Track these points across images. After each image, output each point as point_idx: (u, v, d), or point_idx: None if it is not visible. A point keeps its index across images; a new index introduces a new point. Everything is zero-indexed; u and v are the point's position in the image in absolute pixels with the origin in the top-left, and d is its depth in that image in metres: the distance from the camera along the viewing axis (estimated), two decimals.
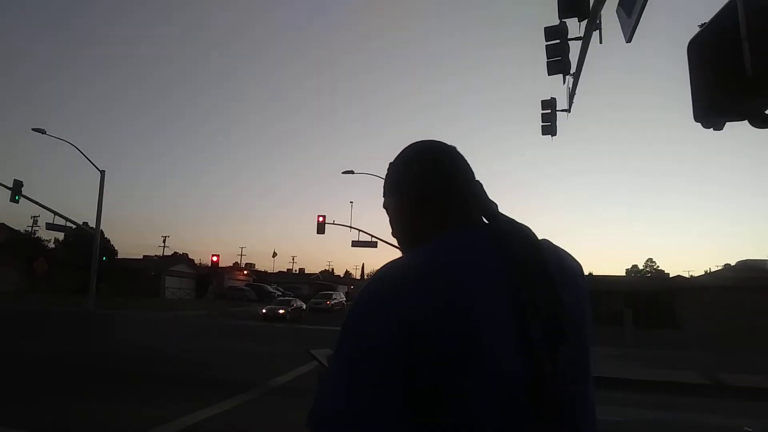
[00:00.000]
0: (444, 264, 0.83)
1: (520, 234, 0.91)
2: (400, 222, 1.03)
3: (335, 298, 41.11)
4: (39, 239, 50.31)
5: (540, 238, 0.95)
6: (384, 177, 1.09)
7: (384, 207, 1.07)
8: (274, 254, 70.92)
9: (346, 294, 56.76)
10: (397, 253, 1.01)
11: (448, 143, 1.05)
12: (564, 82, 9.91)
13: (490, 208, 0.97)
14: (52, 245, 50.53)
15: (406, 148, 1.05)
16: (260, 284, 58.46)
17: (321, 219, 29.64)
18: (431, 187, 0.98)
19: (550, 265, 0.88)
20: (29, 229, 51.54)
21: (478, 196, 0.99)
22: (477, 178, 1.04)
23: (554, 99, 10.81)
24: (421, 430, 0.77)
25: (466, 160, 1.03)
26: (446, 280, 0.80)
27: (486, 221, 0.95)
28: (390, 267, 0.85)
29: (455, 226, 0.93)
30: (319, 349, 1.23)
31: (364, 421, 0.75)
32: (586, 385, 0.92)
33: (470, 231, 0.92)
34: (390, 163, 1.07)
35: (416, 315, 0.77)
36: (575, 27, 8.61)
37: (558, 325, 0.83)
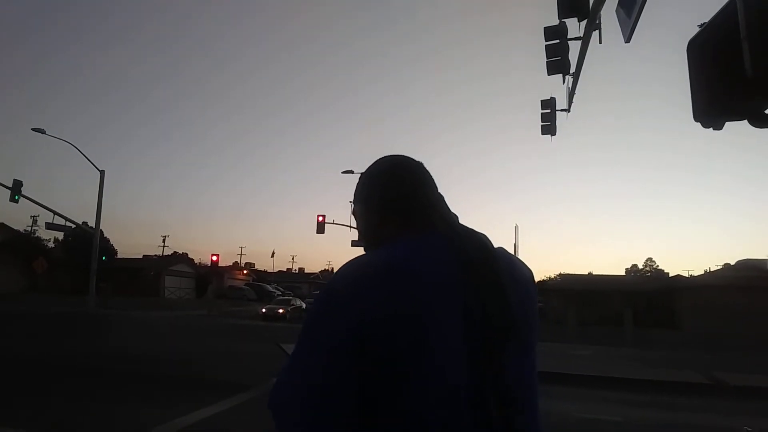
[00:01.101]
0: (398, 264, 0.90)
1: (476, 241, 0.99)
2: (365, 227, 1.13)
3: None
4: (38, 239, 50.28)
5: (496, 246, 1.03)
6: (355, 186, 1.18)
7: (352, 213, 1.17)
8: (273, 254, 70.76)
9: None
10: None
11: (416, 159, 1.16)
12: (564, 82, 9.93)
13: (449, 218, 1.06)
14: (51, 245, 50.52)
15: (376, 161, 1.15)
16: (260, 284, 58.48)
17: (321, 219, 29.65)
18: (394, 197, 1.08)
19: (502, 270, 0.96)
20: (29, 228, 51.53)
21: (438, 207, 1.07)
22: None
23: (554, 99, 10.82)
24: (368, 424, 0.84)
25: (429, 175, 1.14)
26: (400, 280, 0.87)
27: (444, 230, 1.02)
28: (349, 266, 0.93)
29: (415, 232, 1.01)
30: (287, 344, 1.29)
31: (316, 411, 0.83)
32: (531, 382, 0.97)
33: (428, 236, 0.99)
34: (361, 174, 1.17)
35: (369, 315, 0.84)
36: (575, 27, 8.62)
37: (505, 324, 0.90)
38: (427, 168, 1.16)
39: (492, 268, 0.95)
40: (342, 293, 0.89)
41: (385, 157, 1.16)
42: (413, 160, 1.15)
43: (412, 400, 0.84)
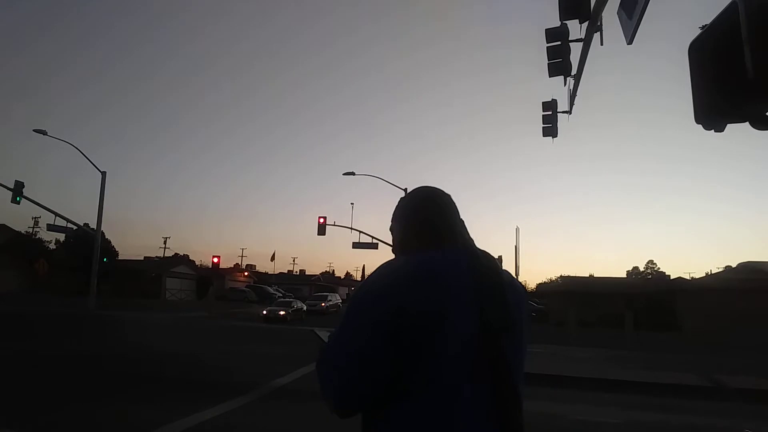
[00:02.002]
0: (429, 268, 1.18)
1: (487, 259, 1.27)
2: (400, 242, 1.41)
3: (330, 300, 39.47)
4: (40, 240, 50.37)
5: (503, 269, 1.32)
6: (395, 205, 1.47)
7: (390, 230, 1.45)
8: (273, 257, 70.74)
9: (346, 295, 56.60)
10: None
11: (446, 191, 1.45)
12: (565, 84, 9.91)
13: (468, 239, 1.37)
14: (53, 246, 50.59)
15: (414, 189, 1.46)
16: (261, 285, 58.47)
17: (322, 220, 29.65)
18: (425, 220, 1.36)
19: (506, 288, 1.24)
20: (30, 230, 51.60)
21: (459, 230, 1.37)
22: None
23: (555, 100, 10.81)
24: (395, 387, 1.12)
25: (454, 204, 1.43)
26: (429, 280, 1.15)
27: (464, 247, 1.32)
28: (388, 265, 1.21)
29: (439, 248, 1.27)
30: (321, 329, 1.47)
31: (352, 363, 1.12)
32: (520, 367, 1.26)
33: (451, 250, 1.27)
34: (401, 198, 1.47)
35: (405, 304, 1.11)
36: (576, 29, 8.62)
37: (504, 318, 1.19)
38: (448, 192, 1.46)
39: (498, 280, 1.23)
40: (385, 284, 1.16)
41: (421, 187, 1.46)
42: (443, 191, 1.45)
43: (430, 370, 1.10)
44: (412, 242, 1.35)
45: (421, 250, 1.27)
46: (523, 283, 1.43)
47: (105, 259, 31.85)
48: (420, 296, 1.12)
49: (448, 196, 1.44)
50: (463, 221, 1.41)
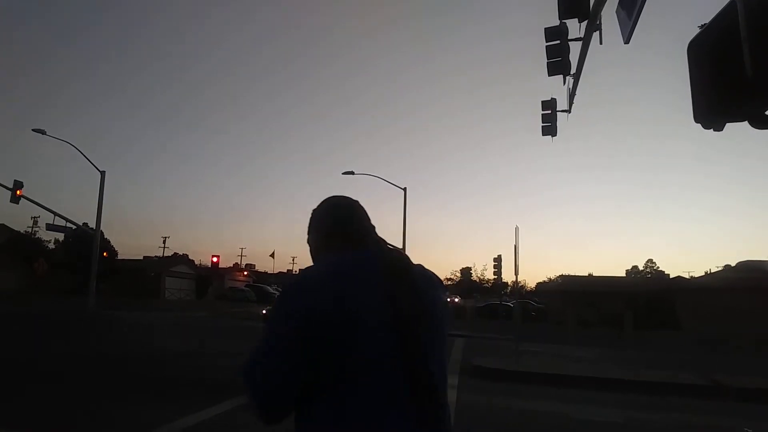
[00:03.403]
0: (338, 269, 1.26)
1: (397, 257, 1.35)
2: (316, 250, 1.50)
3: None
4: (39, 240, 50.29)
5: (415, 263, 1.40)
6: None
7: (307, 242, 1.53)
8: (272, 254, 70.80)
9: None
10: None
11: (353, 198, 1.54)
12: (564, 83, 9.91)
13: (378, 241, 1.44)
14: (52, 246, 50.53)
15: (322, 201, 1.53)
16: (260, 285, 58.45)
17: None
18: (335, 228, 1.45)
19: (416, 277, 1.32)
20: (29, 229, 51.55)
21: (368, 233, 1.45)
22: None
23: (554, 99, 10.80)
24: (316, 387, 1.18)
25: (363, 209, 1.51)
26: (338, 282, 1.21)
27: (374, 249, 1.38)
28: (300, 273, 1.31)
29: (351, 251, 1.36)
30: None
31: (273, 375, 1.19)
32: (438, 355, 1.30)
33: (361, 253, 1.35)
34: (313, 210, 1.53)
35: (315, 308, 1.17)
36: (575, 28, 8.62)
37: (417, 313, 1.25)
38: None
39: (408, 276, 1.30)
40: (295, 292, 1.23)
41: (329, 197, 1.55)
42: (350, 198, 1.54)
43: (348, 367, 1.16)
44: (324, 249, 1.45)
45: (333, 255, 1.37)
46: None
47: (105, 254, 31.80)
48: (331, 296, 1.18)
49: (356, 202, 1.53)
50: (373, 226, 1.50)
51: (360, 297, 1.20)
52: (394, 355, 1.18)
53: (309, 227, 1.53)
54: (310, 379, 1.18)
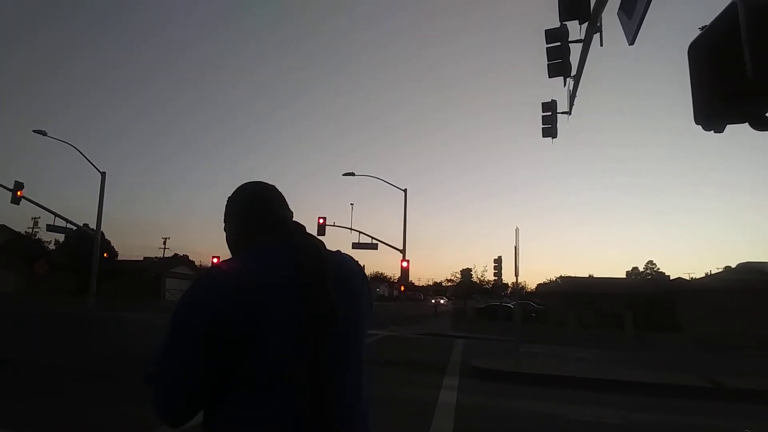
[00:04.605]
0: (239, 267, 1.21)
1: (310, 247, 1.27)
2: (231, 240, 1.43)
3: None
4: (39, 241, 50.33)
5: (334, 249, 1.37)
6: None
7: (224, 230, 1.45)
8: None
9: None
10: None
11: (269, 182, 1.46)
12: (565, 85, 9.92)
13: (293, 230, 1.35)
14: (52, 247, 50.56)
15: (237, 188, 1.45)
16: None
17: (321, 221, 29.70)
18: (248, 217, 1.39)
19: (328, 269, 1.24)
20: (30, 230, 51.53)
21: (284, 222, 1.38)
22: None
23: (555, 101, 10.81)
24: (222, 386, 1.15)
25: (280, 196, 1.45)
26: (240, 281, 1.16)
27: (286, 239, 1.31)
28: (208, 270, 1.26)
29: (263, 243, 1.30)
30: None
31: (174, 376, 1.15)
32: (357, 354, 1.27)
33: (271, 245, 1.29)
34: (228, 198, 1.45)
35: (216, 303, 1.13)
36: (576, 30, 8.62)
37: (325, 311, 1.17)
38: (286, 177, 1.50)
39: (319, 268, 1.22)
40: (197, 291, 1.18)
41: (244, 184, 1.46)
42: (267, 184, 1.46)
43: (253, 368, 1.12)
44: (240, 239, 1.39)
45: (248, 246, 1.32)
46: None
47: (105, 255, 31.76)
48: (229, 293, 1.14)
49: (273, 187, 1.46)
50: (291, 212, 1.44)
51: (263, 292, 1.15)
52: (300, 357, 1.13)
53: (224, 216, 1.46)
54: (214, 382, 1.15)
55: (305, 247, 1.27)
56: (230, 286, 1.15)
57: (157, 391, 1.18)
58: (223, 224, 1.46)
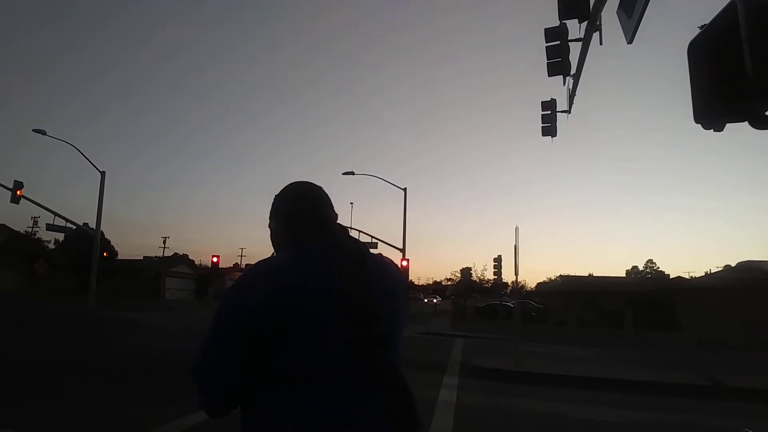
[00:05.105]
0: (282, 265, 1.24)
1: (355, 251, 1.29)
2: (275, 237, 1.46)
3: None
4: (39, 240, 50.31)
5: (376, 252, 1.39)
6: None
7: (269, 227, 1.48)
8: (272, 255, 70.74)
9: None
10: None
11: (317, 184, 1.49)
12: (564, 84, 9.91)
13: (337, 231, 1.36)
14: (52, 246, 50.54)
15: (285, 186, 1.48)
16: None
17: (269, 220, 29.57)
18: (294, 216, 1.41)
19: (370, 271, 1.27)
20: (29, 229, 51.52)
21: (329, 223, 1.40)
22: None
23: (554, 100, 10.80)
24: (264, 378, 1.18)
25: (326, 197, 1.47)
26: (281, 278, 1.19)
27: (331, 240, 1.32)
28: (247, 269, 1.29)
29: (307, 242, 1.32)
30: None
31: (215, 370, 1.21)
32: (394, 357, 1.28)
33: (315, 245, 1.30)
34: (275, 196, 1.49)
35: (256, 301, 1.16)
36: (575, 28, 8.62)
37: (368, 310, 1.20)
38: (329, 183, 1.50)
39: (361, 272, 1.25)
40: (238, 289, 1.22)
41: (292, 183, 1.49)
42: (314, 185, 1.49)
43: (290, 367, 1.15)
44: (284, 238, 1.41)
45: (292, 245, 1.34)
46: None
47: (105, 254, 31.75)
48: (269, 292, 1.16)
49: (320, 189, 1.48)
50: (336, 214, 1.46)
51: (304, 293, 1.17)
52: (337, 359, 1.15)
53: (270, 213, 1.48)
54: (254, 377, 1.18)
55: (349, 250, 1.28)
56: (271, 285, 1.18)
57: (197, 383, 1.24)
58: (268, 221, 1.49)
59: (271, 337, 1.15)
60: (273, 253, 1.46)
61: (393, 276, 1.37)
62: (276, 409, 1.17)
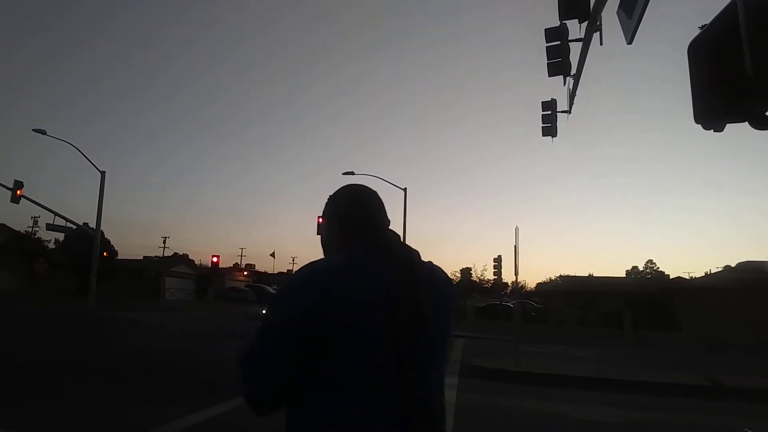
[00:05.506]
0: (333, 268, 1.24)
1: (405, 255, 1.30)
2: (327, 237, 1.47)
3: None
4: (39, 240, 50.22)
5: (425, 260, 1.38)
6: (384, 205, 1.51)
7: (318, 227, 1.56)
8: (273, 254, 71.02)
9: None
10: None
11: (372, 188, 1.49)
12: (564, 84, 9.92)
13: (389, 236, 1.37)
14: (52, 246, 50.49)
15: (341, 188, 1.51)
16: (260, 285, 58.34)
17: (321, 220, 29.56)
18: (348, 218, 1.41)
19: (421, 277, 1.27)
20: (29, 229, 51.47)
21: (381, 228, 1.40)
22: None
23: (555, 100, 10.81)
24: (311, 380, 1.18)
25: (381, 202, 1.47)
26: (332, 280, 1.19)
27: (383, 244, 1.33)
28: (300, 269, 1.29)
29: (359, 246, 1.32)
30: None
31: (262, 369, 1.22)
32: (440, 363, 1.31)
33: (366, 249, 1.30)
34: (329, 196, 1.50)
35: (306, 302, 1.17)
36: (576, 28, 8.62)
37: (416, 315, 1.20)
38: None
39: (413, 273, 1.26)
40: (291, 288, 1.24)
41: (348, 185, 1.52)
42: (369, 189, 1.49)
43: (337, 370, 1.16)
44: (336, 240, 1.42)
45: (343, 248, 1.34)
46: (450, 276, 1.53)
47: (105, 254, 31.76)
48: (321, 295, 1.17)
49: (374, 192, 1.49)
50: (388, 220, 1.47)
51: (354, 296, 1.18)
52: (387, 361, 1.16)
53: (323, 212, 1.50)
54: (300, 378, 1.19)
55: (400, 256, 1.29)
56: (321, 287, 1.18)
57: (244, 381, 1.25)
58: (320, 220, 1.51)
59: (317, 337, 1.16)
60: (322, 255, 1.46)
61: (442, 285, 1.38)
62: (321, 411, 1.17)
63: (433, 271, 1.38)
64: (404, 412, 1.16)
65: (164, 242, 68.53)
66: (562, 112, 10.78)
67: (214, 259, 41.86)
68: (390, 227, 1.45)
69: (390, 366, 1.16)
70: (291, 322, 1.18)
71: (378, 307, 1.18)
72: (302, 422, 1.21)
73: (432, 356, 1.26)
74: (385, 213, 1.48)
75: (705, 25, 1.88)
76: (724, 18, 1.76)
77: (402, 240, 1.40)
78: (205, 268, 57.03)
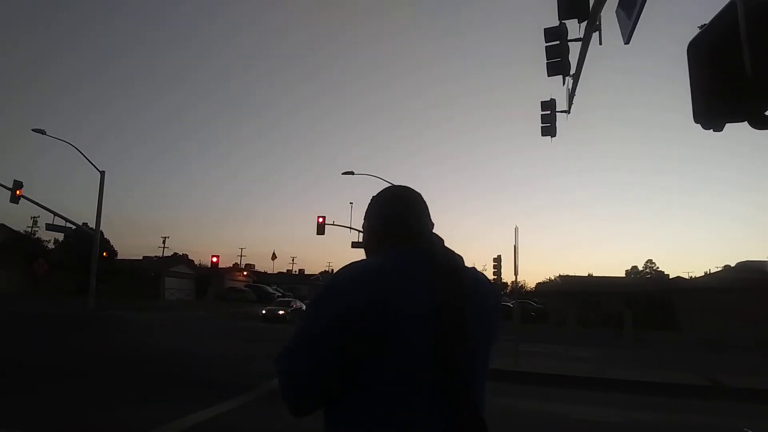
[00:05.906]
0: (377, 270, 1.21)
1: (449, 259, 1.28)
2: (369, 239, 1.45)
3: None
4: (39, 240, 50.26)
5: (469, 266, 1.34)
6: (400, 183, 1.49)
7: (362, 227, 1.48)
8: (274, 256, 71.05)
9: None
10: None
11: (416, 190, 1.46)
12: (564, 83, 9.93)
13: (433, 239, 1.35)
14: (51, 246, 50.49)
15: (386, 188, 1.49)
16: (260, 285, 58.39)
17: (321, 220, 29.67)
18: (391, 219, 1.39)
19: (466, 282, 1.24)
20: (29, 229, 51.50)
21: (425, 230, 1.38)
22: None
23: (554, 100, 10.81)
24: (351, 382, 1.15)
25: (424, 204, 1.45)
26: (372, 283, 1.16)
27: (428, 247, 1.30)
28: (346, 268, 1.25)
29: (402, 248, 1.29)
30: None
31: (301, 368, 1.18)
32: (482, 371, 1.29)
33: (411, 250, 1.28)
34: (372, 197, 1.48)
35: (354, 305, 1.14)
36: (575, 28, 8.62)
37: (460, 321, 1.17)
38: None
39: (457, 280, 1.22)
40: (337, 286, 1.20)
41: (393, 186, 1.50)
42: (414, 191, 1.46)
43: (378, 372, 1.13)
44: (378, 241, 1.40)
45: (385, 249, 1.32)
46: (492, 281, 1.44)
47: (105, 254, 31.75)
48: (363, 298, 1.14)
49: (418, 195, 1.46)
50: (432, 222, 1.44)
51: (398, 300, 1.15)
52: (428, 369, 1.13)
53: (366, 213, 1.47)
54: (339, 380, 1.16)
55: (444, 261, 1.26)
56: (364, 288, 1.16)
57: (282, 380, 1.22)
58: (363, 221, 1.48)
59: (358, 339, 1.13)
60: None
61: (487, 291, 1.35)
62: (359, 414, 1.15)
63: (477, 278, 1.35)
64: (446, 418, 1.13)
65: (164, 242, 68.51)
66: (562, 111, 10.80)
67: (214, 259, 41.93)
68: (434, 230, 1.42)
69: (431, 379, 1.13)
70: (341, 322, 1.14)
71: (421, 311, 1.15)
72: (341, 423, 1.19)
73: (473, 365, 1.22)
74: (429, 216, 1.45)
75: (704, 24, 1.88)
76: (724, 17, 1.76)
77: (443, 242, 1.37)
78: (205, 268, 57.07)
